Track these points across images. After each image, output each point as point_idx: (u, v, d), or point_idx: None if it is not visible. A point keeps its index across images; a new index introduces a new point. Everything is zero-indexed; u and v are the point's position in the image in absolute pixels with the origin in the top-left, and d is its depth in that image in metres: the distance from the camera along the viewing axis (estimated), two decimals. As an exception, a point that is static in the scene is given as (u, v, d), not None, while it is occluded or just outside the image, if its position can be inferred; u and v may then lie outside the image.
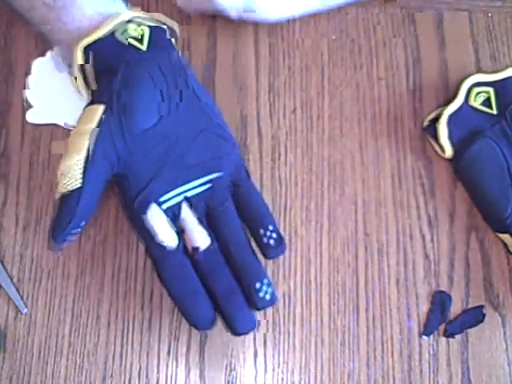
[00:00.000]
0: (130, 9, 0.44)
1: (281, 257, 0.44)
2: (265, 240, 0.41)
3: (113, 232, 0.45)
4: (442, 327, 0.44)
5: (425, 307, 0.45)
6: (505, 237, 0.45)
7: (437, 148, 0.47)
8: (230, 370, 0.43)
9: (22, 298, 0.43)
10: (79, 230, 0.39)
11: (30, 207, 0.45)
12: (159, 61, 0.41)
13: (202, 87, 0.44)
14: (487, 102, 0.47)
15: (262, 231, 0.42)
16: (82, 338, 0.43)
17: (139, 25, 0.42)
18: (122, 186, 0.41)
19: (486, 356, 0.44)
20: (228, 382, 0.43)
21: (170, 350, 0.43)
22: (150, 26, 0.42)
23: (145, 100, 0.40)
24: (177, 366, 0.43)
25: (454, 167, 0.47)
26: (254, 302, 0.40)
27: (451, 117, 0.46)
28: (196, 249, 0.40)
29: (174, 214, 0.41)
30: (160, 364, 0.43)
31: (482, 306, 0.45)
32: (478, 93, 0.47)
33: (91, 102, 0.40)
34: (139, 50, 0.41)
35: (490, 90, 0.47)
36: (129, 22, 0.42)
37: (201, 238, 0.40)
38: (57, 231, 0.38)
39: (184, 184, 0.41)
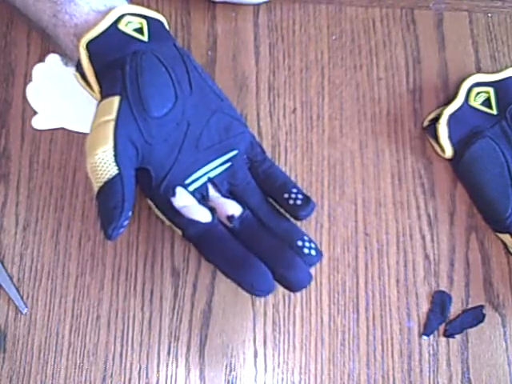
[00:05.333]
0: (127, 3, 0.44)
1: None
2: (291, 202, 0.41)
3: (113, 232, 0.45)
4: (442, 327, 0.44)
5: (425, 307, 0.45)
6: (505, 237, 0.45)
7: (437, 148, 0.47)
8: (230, 370, 0.43)
9: (22, 297, 0.43)
10: (128, 221, 0.37)
11: (30, 207, 0.45)
12: (164, 49, 0.42)
13: (206, 73, 0.44)
14: (487, 102, 0.47)
15: (286, 195, 0.42)
16: (82, 338, 0.43)
17: (136, 17, 0.42)
18: (144, 176, 0.41)
19: (486, 356, 0.44)
20: (228, 381, 0.43)
21: (170, 350, 0.43)
22: (146, 18, 0.43)
23: (158, 86, 0.40)
24: (177, 367, 0.43)
25: (453, 167, 0.47)
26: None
27: (451, 117, 0.46)
28: (231, 216, 0.40)
29: (201, 195, 0.42)
30: (160, 364, 0.43)
31: (482, 306, 0.45)
32: (478, 93, 0.47)
33: (104, 96, 0.40)
34: (141, 41, 0.41)
35: (490, 90, 0.47)
36: (126, 15, 0.42)
37: (233, 207, 0.41)
38: (110, 226, 0.36)
39: (204, 165, 0.42)
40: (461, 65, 0.50)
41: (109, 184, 0.37)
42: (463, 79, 0.48)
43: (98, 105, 0.40)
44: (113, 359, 0.42)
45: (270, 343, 0.43)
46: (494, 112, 0.47)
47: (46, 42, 0.48)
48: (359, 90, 0.49)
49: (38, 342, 0.43)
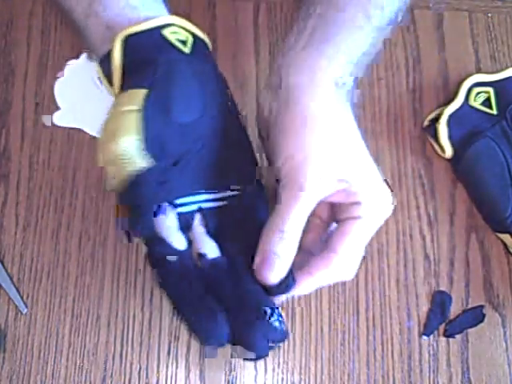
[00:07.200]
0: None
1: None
2: None
3: (113, 232, 0.45)
4: (441, 327, 0.44)
5: (425, 307, 0.45)
6: (505, 237, 0.45)
7: (437, 148, 0.47)
8: (230, 370, 0.43)
9: (22, 298, 0.43)
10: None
11: (30, 207, 0.45)
12: (202, 67, 0.41)
13: (236, 107, 0.43)
14: (487, 102, 0.47)
15: None
16: (82, 338, 0.43)
17: (185, 31, 0.41)
18: None
19: (486, 356, 0.44)
20: (228, 381, 0.43)
21: (170, 350, 0.43)
22: (193, 34, 0.42)
23: (186, 94, 0.39)
24: (177, 367, 0.43)
25: (453, 167, 0.47)
26: None
27: (451, 117, 0.46)
28: (203, 255, 0.37)
29: (186, 222, 0.38)
30: (160, 364, 0.43)
31: (482, 306, 0.45)
32: (478, 93, 0.47)
33: (128, 87, 0.39)
34: (182, 52, 0.40)
35: (490, 90, 0.47)
36: (174, 25, 0.41)
37: (209, 247, 0.38)
38: (140, 220, 0.35)
39: (201, 193, 0.40)
40: (461, 65, 0.50)
41: (137, 177, 0.35)
42: (463, 79, 0.48)
43: (121, 93, 0.39)
44: (113, 359, 0.42)
45: (270, 343, 0.43)
46: (494, 112, 0.47)
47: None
48: (359, 89, 0.49)
49: (37, 342, 0.42)
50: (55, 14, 0.49)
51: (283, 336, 0.36)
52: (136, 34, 0.40)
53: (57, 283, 0.44)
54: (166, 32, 0.40)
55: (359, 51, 0.41)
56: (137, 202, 0.36)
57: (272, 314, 0.36)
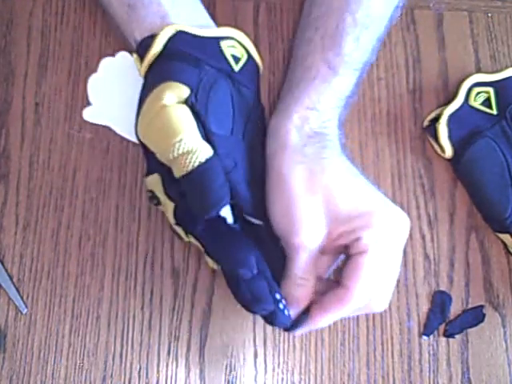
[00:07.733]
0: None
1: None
2: None
3: (113, 232, 0.45)
4: (441, 327, 0.44)
5: (425, 307, 0.45)
6: (505, 237, 0.45)
7: (437, 148, 0.47)
8: (230, 370, 0.43)
9: (21, 298, 0.43)
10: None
11: (30, 207, 0.45)
12: (243, 89, 0.42)
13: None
14: (487, 102, 0.47)
15: None
16: (82, 338, 0.43)
17: (241, 47, 0.43)
18: None
19: (486, 356, 0.44)
20: (228, 381, 0.43)
21: (169, 350, 0.43)
22: (249, 54, 0.43)
23: (222, 107, 0.40)
24: (177, 366, 0.43)
25: (453, 167, 0.47)
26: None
27: (451, 117, 0.46)
28: (223, 219, 0.39)
29: None
30: (160, 364, 0.43)
31: (482, 306, 0.45)
32: (478, 93, 0.47)
33: (171, 78, 0.39)
34: (231, 67, 0.41)
35: (490, 90, 0.47)
36: (233, 39, 0.42)
37: (226, 212, 0.39)
38: (221, 203, 0.36)
39: None
40: (461, 65, 0.50)
41: (203, 168, 0.36)
42: (463, 79, 0.48)
43: (161, 84, 0.39)
44: (113, 359, 0.42)
45: (270, 343, 0.43)
46: (494, 112, 0.47)
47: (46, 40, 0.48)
48: (359, 89, 0.49)
49: (37, 341, 0.43)
50: (55, 13, 0.49)
51: (287, 321, 0.38)
52: (190, 33, 0.40)
53: (57, 283, 0.44)
54: (223, 43, 0.41)
55: (329, 100, 0.42)
56: (209, 187, 0.36)
57: (281, 300, 0.38)
